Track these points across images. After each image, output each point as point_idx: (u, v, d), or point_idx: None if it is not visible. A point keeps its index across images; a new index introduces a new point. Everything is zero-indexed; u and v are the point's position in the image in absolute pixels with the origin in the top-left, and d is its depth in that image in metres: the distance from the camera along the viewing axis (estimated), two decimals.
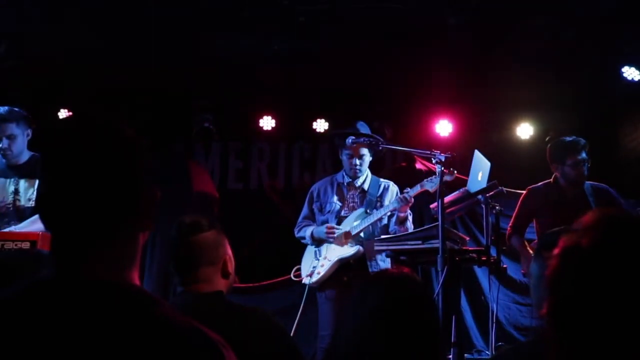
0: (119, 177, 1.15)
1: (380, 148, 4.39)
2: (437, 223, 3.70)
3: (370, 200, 4.54)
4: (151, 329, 1.05)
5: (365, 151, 4.55)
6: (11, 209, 4.31)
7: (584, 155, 4.48)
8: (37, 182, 4.35)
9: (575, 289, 1.11)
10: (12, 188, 4.34)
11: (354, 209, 4.56)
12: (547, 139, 6.29)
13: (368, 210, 4.49)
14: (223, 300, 2.17)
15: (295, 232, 4.75)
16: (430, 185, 4.27)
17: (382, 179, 4.70)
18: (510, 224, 4.68)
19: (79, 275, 1.10)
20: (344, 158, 4.60)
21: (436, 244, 3.67)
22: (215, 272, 2.18)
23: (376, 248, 4.17)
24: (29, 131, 4.41)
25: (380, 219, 4.48)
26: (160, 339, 1.04)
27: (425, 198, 4.89)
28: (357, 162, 4.53)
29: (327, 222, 4.59)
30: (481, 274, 5.88)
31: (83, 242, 1.12)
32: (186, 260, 2.17)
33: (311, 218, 4.73)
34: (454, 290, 3.86)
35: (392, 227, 4.48)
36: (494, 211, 4.00)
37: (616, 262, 1.09)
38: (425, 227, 4.08)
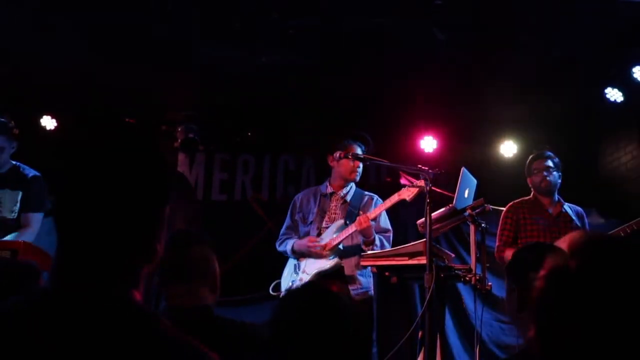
0: (138, 203, 1.18)
1: (367, 163, 4.39)
2: (423, 240, 3.70)
3: (351, 212, 4.48)
4: (152, 343, 1.07)
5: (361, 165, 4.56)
6: None
7: (548, 162, 4.72)
8: (20, 193, 4.27)
9: (562, 311, 1.12)
10: None
11: (335, 220, 4.51)
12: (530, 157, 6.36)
13: (348, 222, 4.42)
14: (213, 314, 2.15)
15: (277, 246, 4.67)
16: (408, 194, 4.18)
17: (366, 192, 4.66)
18: (498, 243, 4.71)
19: (84, 288, 1.11)
20: (343, 162, 4.51)
21: (422, 260, 3.67)
22: (206, 286, 2.17)
23: (362, 263, 4.15)
24: (15, 144, 4.33)
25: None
26: (160, 354, 1.06)
27: (411, 214, 4.89)
28: (359, 164, 4.50)
29: (309, 233, 4.52)
30: (465, 291, 5.89)
31: (92, 257, 1.14)
32: (178, 272, 2.14)
33: (294, 229, 4.66)
34: (438, 307, 3.85)
35: (361, 243, 4.38)
36: (479, 228, 4.00)
37: (604, 285, 1.09)
38: (411, 243, 4.08)
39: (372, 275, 4.36)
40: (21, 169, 4.35)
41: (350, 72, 5.87)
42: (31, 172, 4.34)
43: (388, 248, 4.39)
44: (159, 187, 1.20)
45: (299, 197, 4.74)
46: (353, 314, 1.72)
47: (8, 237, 4.11)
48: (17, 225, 4.25)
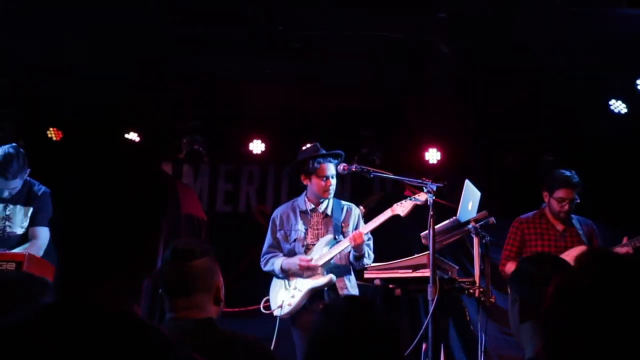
0: (140, 218, 1.20)
1: (371, 176, 4.35)
2: (427, 252, 3.70)
3: (336, 226, 4.43)
4: (154, 358, 1.08)
5: (333, 170, 4.45)
6: None
7: (572, 194, 4.50)
8: (31, 209, 4.29)
9: (570, 327, 1.12)
10: (3, 214, 4.26)
11: (319, 235, 4.44)
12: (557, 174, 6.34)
13: (336, 237, 4.38)
14: (215, 327, 2.14)
15: (262, 265, 4.59)
16: (402, 209, 4.16)
17: (343, 202, 4.60)
18: (503, 256, 4.68)
19: (87, 302, 1.13)
20: (315, 181, 4.43)
21: (426, 272, 3.67)
22: (209, 298, 2.16)
23: (366, 276, 4.15)
24: (28, 170, 4.32)
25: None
26: None
27: (414, 226, 4.87)
28: (332, 181, 4.39)
29: (294, 250, 4.45)
30: (469, 303, 5.86)
31: (95, 272, 1.15)
32: (180, 286, 2.14)
33: (277, 247, 4.57)
34: (442, 319, 3.84)
35: (351, 259, 4.37)
36: (483, 241, 4.00)
37: (611, 301, 1.10)
38: (415, 255, 4.07)
39: (357, 286, 4.39)
40: (32, 186, 4.35)
41: (354, 83, 5.89)
42: (42, 189, 4.36)
43: (372, 255, 4.37)
44: (158, 202, 1.22)
45: (277, 215, 4.63)
46: (395, 327, 1.75)
47: (16, 250, 4.13)
48: (25, 239, 4.27)
